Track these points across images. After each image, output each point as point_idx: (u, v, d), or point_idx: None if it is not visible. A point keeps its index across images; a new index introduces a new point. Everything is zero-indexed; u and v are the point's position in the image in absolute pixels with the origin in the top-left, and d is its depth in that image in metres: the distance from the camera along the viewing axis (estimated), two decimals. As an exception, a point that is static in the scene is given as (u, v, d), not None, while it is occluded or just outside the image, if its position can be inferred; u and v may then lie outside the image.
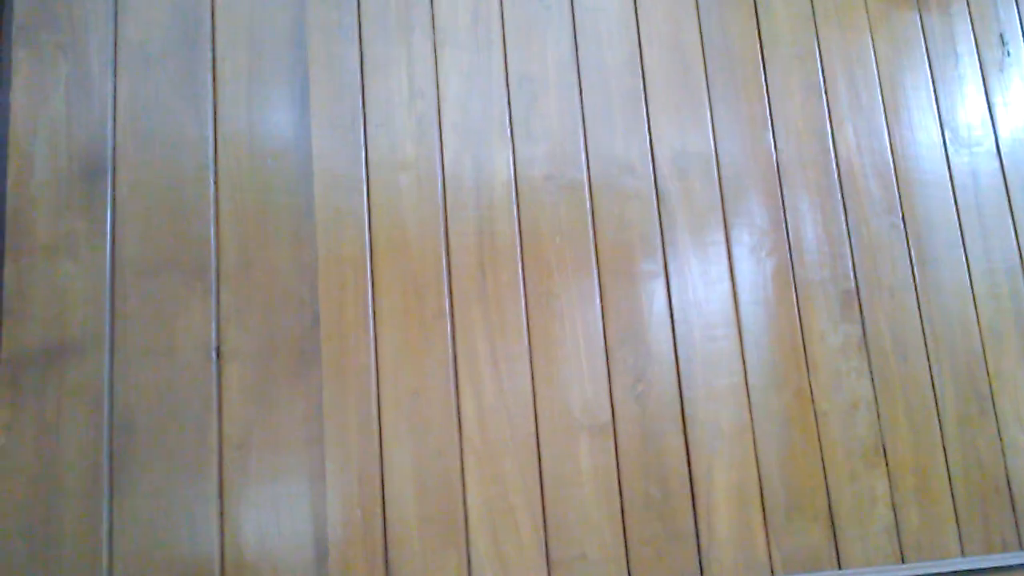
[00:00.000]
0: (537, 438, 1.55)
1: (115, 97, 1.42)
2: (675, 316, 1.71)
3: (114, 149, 1.40)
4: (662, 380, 1.67)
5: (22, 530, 1.23)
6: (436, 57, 1.66)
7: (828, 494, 1.73)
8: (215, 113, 1.47)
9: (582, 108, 1.74)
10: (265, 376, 1.40)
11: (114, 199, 1.38)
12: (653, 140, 1.78)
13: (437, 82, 1.65)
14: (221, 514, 1.33)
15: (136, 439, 1.31)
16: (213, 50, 1.49)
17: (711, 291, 1.75)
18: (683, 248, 1.75)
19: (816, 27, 2.01)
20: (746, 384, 1.73)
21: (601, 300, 1.66)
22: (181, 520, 1.30)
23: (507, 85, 1.70)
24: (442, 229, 1.59)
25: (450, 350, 1.54)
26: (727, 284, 1.77)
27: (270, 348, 1.42)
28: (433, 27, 1.67)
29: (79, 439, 1.29)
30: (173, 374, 1.35)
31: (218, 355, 1.38)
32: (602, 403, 1.61)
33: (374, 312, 1.51)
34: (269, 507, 1.35)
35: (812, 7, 2.02)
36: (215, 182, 1.44)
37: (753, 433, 1.71)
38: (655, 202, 1.75)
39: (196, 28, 1.48)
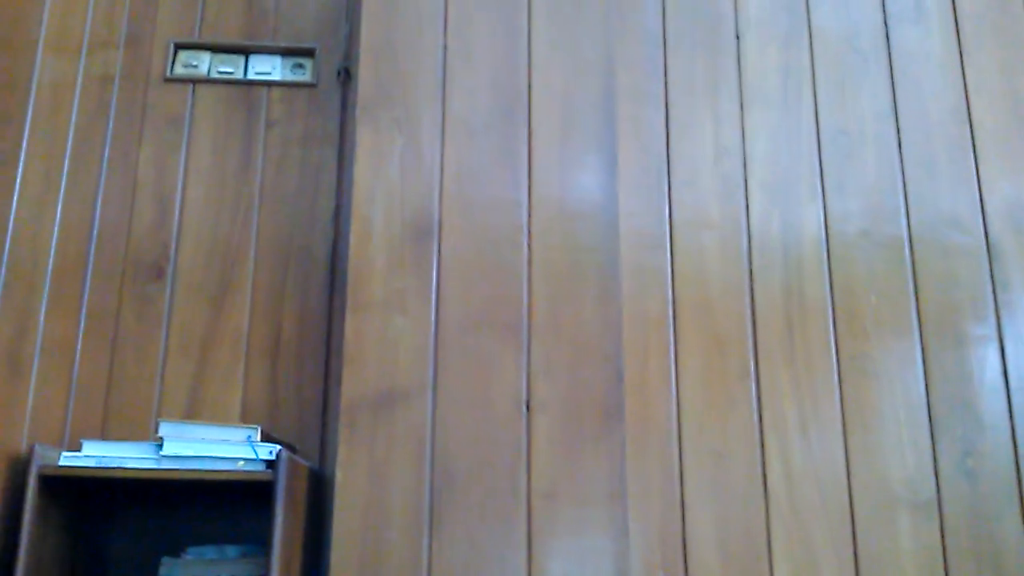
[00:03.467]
0: (851, 511, 1.46)
1: (442, 166, 1.55)
2: (1011, 385, 1.54)
3: (440, 213, 1.52)
4: (996, 455, 1.50)
5: (355, 559, 1.35)
6: (743, 116, 1.65)
7: None
8: (530, 178, 1.55)
9: (901, 161, 1.64)
10: (571, 430, 1.44)
11: (439, 259, 1.50)
12: (983, 192, 1.64)
13: (743, 140, 1.63)
14: (529, 562, 1.37)
15: (454, 483, 1.39)
16: (529, 120, 1.58)
17: (1056, 359, 1.56)
18: (1020, 310, 1.58)
19: None
20: (1102, 465, 1.52)
21: (924, 365, 1.54)
22: (493, 563, 1.36)
23: (818, 140, 1.65)
24: (747, 287, 1.56)
25: (755, 412, 1.50)
26: (1076, 351, 1.57)
27: (576, 403, 1.46)
28: (740, 87, 1.66)
29: (404, 480, 1.39)
30: (487, 425, 1.43)
31: (528, 408, 1.44)
32: (925, 477, 1.48)
33: (676, 370, 1.51)
34: (574, 559, 1.38)
35: None
36: (528, 243, 1.52)
37: (1112, 523, 1.49)
38: (987, 259, 1.60)
39: (514, 101, 1.59)
